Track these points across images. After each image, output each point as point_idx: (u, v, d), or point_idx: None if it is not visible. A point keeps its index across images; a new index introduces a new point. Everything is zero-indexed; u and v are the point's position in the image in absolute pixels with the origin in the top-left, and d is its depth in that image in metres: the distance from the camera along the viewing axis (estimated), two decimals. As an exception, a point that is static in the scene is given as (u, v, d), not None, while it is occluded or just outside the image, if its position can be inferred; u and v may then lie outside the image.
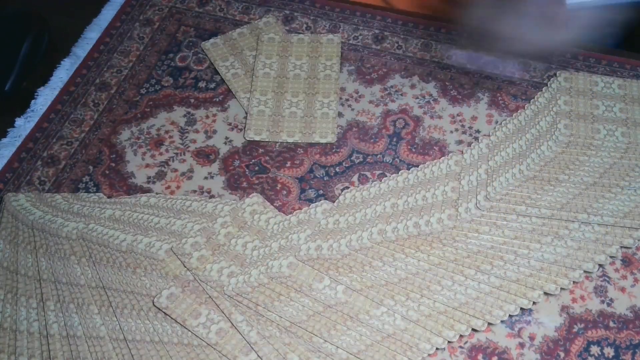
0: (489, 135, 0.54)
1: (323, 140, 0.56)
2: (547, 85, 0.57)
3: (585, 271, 0.46)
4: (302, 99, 0.58)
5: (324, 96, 0.58)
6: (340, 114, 0.57)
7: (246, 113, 0.58)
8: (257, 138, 0.56)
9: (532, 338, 0.45)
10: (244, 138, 0.56)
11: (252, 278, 0.46)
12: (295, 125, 0.57)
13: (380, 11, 0.64)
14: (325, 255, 0.47)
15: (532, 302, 0.45)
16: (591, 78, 0.57)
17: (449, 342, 0.44)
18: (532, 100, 0.56)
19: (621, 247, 0.48)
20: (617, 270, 0.48)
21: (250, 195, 0.52)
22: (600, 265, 0.47)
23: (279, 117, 0.57)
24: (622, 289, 0.47)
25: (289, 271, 0.47)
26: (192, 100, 0.60)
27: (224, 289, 0.46)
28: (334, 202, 0.51)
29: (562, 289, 0.46)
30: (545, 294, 0.46)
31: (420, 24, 0.63)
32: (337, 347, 0.44)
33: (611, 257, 0.47)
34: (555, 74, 0.57)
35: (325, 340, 0.44)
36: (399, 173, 0.52)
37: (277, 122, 0.57)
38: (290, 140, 0.56)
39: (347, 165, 0.54)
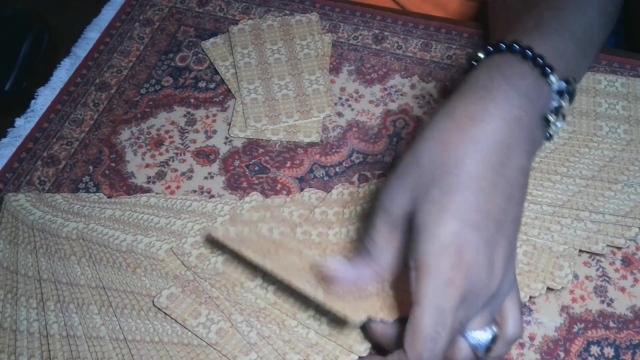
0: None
1: (322, 115, 0.57)
2: None
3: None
4: (289, 80, 0.59)
5: (310, 74, 0.59)
6: (340, 114, 0.57)
7: (241, 104, 0.58)
8: (259, 125, 0.56)
9: (532, 338, 0.45)
10: (247, 127, 0.56)
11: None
12: (291, 105, 0.57)
13: (380, 11, 0.64)
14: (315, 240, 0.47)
15: (529, 296, 0.45)
16: (594, 76, 0.57)
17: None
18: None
19: (611, 246, 0.48)
20: (617, 270, 0.48)
21: (251, 195, 0.52)
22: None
23: (273, 101, 0.57)
24: (622, 289, 0.47)
25: (280, 237, 0.47)
26: (192, 100, 0.60)
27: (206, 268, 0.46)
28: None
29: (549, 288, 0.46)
30: (547, 290, 0.46)
31: (420, 24, 0.63)
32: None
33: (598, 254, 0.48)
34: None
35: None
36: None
37: (272, 107, 0.57)
38: (290, 121, 0.56)
39: (347, 165, 0.54)
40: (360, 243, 0.39)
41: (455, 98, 0.37)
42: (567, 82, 0.40)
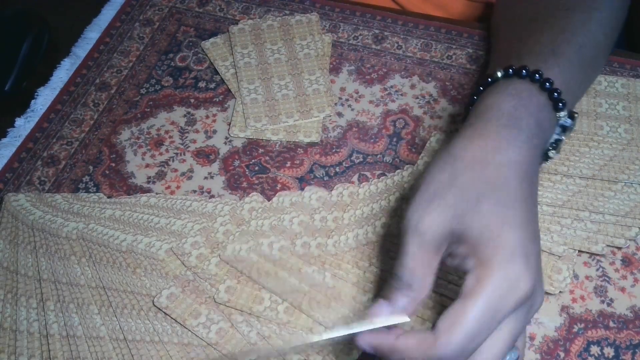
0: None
1: (322, 115, 0.57)
2: None
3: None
4: (289, 80, 0.59)
5: (310, 74, 0.59)
6: (340, 114, 0.57)
7: (241, 104, 0.58)
8: (259, 125, 0.56)
9: (532, 338, 0.45)
10: (247, 127, 0.56)
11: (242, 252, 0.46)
12: (291, 105, 0.57)
13: (380, 11, 0.64)
14: (314, 252, 0.47)
15: None
16: None
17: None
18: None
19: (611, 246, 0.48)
20: (617, 270, 0.48)
21: (251, 195, 0.52)
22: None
23: (273, 101, 0.57)
24: (622, 289, 0.47)
25: (280, 254, 0.47)
26: (192, 100, 0.60)
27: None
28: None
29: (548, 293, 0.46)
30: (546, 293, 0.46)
31: (420, 24, 0.63)
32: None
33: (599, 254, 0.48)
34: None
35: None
36: (395, 172, 0.52)
37: (272, 107, 0.57)
38: (290, 121, 0.56)
39: (347, 165, 0.54)
40: (390, 274, 0.39)
41: (482, 122, 0.39)
42: (571, 117, 0.42)
